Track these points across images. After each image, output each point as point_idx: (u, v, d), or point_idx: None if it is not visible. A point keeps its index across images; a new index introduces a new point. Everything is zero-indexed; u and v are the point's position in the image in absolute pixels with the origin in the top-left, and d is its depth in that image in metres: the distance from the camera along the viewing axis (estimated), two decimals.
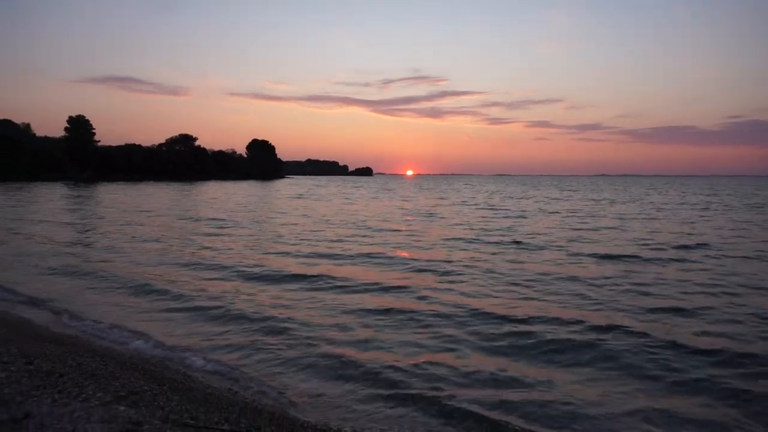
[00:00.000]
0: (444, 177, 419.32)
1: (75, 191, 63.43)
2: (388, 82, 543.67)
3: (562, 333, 8.23)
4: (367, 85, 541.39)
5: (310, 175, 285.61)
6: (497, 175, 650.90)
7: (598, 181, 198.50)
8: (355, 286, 11.72)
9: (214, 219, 28.74)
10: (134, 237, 20.98)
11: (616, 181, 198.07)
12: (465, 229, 24.76)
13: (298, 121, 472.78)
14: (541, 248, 18.13)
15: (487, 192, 77.45)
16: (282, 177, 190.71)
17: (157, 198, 51.49)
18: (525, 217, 31.82)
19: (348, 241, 19.93)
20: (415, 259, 15.52)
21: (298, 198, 55.54)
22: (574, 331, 8.36)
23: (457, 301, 10.38)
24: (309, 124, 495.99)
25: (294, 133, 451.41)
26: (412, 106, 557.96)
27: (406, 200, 53.17)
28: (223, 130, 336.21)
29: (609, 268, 14.33)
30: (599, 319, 9.03)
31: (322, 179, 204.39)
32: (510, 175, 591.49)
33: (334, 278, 12.54)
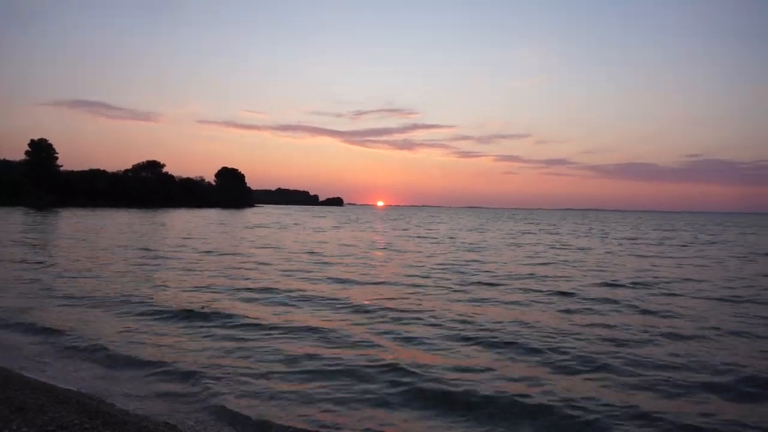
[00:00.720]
0: (415, 208, 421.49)
1: (31, 217, 61.53)
2: (360, 113, 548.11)
3: (493, 390, 7.74)
4: (339, 115, 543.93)
5: (279, 204, 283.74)
6: (468, 207, 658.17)
7: (564, 215, 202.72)
8: (285, 329, 10.94)
9: (153, 250, 27.31)
10: (72, 269, 20.31)
11: (580, 215, 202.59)
12: (419, 264, 24.15)
13: (269, 150, 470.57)
14: (495, 285, 18.02)
15: (452, 224, 78.26)
16: (251, 206, 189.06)
17: (113, 225, 50.33)
18: (484, 250, 32.20)
19: (294, 276, 19.21)
20: (356, 298, 14.72)
21: (258, 227, 54.80)
22: (506, 386, 7.94)
23: (392, 348, 9.81)
24: (280, 154, 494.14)
25: (265, 161, 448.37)
26: (384, 137, 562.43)
27: (371, 232, 53.16)
28: (195, 157, 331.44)
29: (560, 307, 14.32)
30: (536, 371, 8.67)
31: (291, 208, 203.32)
32: (480, 208, 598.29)
33: (264, 318, 11.87)
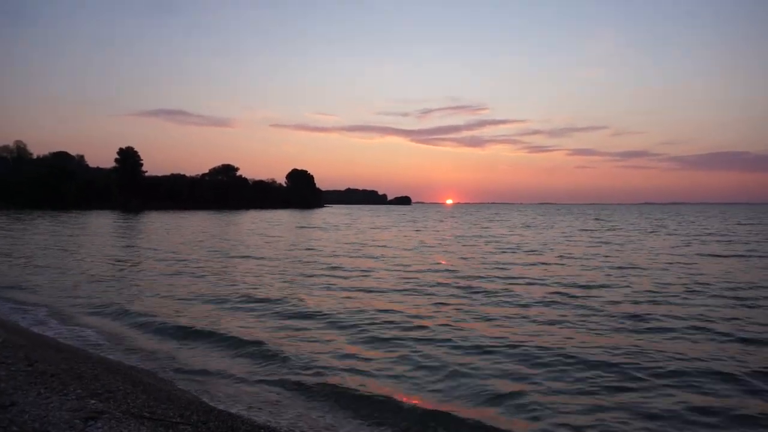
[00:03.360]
0: (485, 206, 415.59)
1: (117, 220, 66.95)
2: (427, 111, 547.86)
3: None
4: (406, 114, 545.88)
5: (349, 204, 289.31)
6: (539, 203, 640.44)
7: (642, 210, 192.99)
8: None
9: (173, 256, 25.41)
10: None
11: (663, 210, 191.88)
12: (448, 274, 19.80)
13: (338, 151, 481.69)
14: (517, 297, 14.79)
15: (514, 222, 77.15)
16: (321, 206, 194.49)
17: (188, 226, 53.83)
18: (537, 253, 30.72)
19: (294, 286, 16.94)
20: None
21: (314, 228, 55.30)
22: None
23: None
24: (349, 154, 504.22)
25: (335, 162, 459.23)
26: (452, 135, 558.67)
27: (421, 231, 51.93)
28: (267, 160, 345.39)
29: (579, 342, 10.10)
30: None
31: (357, 208, 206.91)
32: (552, 204, 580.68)
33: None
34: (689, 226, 60.60)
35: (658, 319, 11.82)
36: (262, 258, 24.39)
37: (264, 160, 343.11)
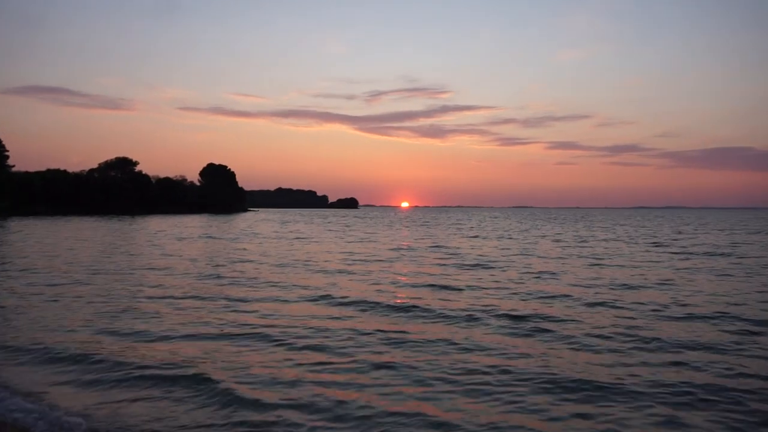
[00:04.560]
0: (448, 209, 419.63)
1: None
2: (377, 94, 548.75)
3: None
4: (351, 98, 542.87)
5: (280, 207, 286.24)
6: (514, 207, 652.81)
7: (633, 215, 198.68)
8: None
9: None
10: None
11: (656, 215, 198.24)
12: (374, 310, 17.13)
13: (267, 141, 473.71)
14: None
15: (478, 232, 77.38)
16: (245, 210, 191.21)
17: (64, 238, 50.88)
18: (486, 267, 31.28)
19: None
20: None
21: (214, 239, 53.56)
22: None
23: None
24: (280, 146, 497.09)
25: (262, 156, 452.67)
26: (408, 123, 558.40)
27: (358, 242, 51.91)
28: (176, 152, 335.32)
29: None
30: None
31: (294, 212, 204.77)
32: (527, 207, 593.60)
33: None
34: (692, 237, 62.09)
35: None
36: (138, 284, 22.51)
37: (172, 153, 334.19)
